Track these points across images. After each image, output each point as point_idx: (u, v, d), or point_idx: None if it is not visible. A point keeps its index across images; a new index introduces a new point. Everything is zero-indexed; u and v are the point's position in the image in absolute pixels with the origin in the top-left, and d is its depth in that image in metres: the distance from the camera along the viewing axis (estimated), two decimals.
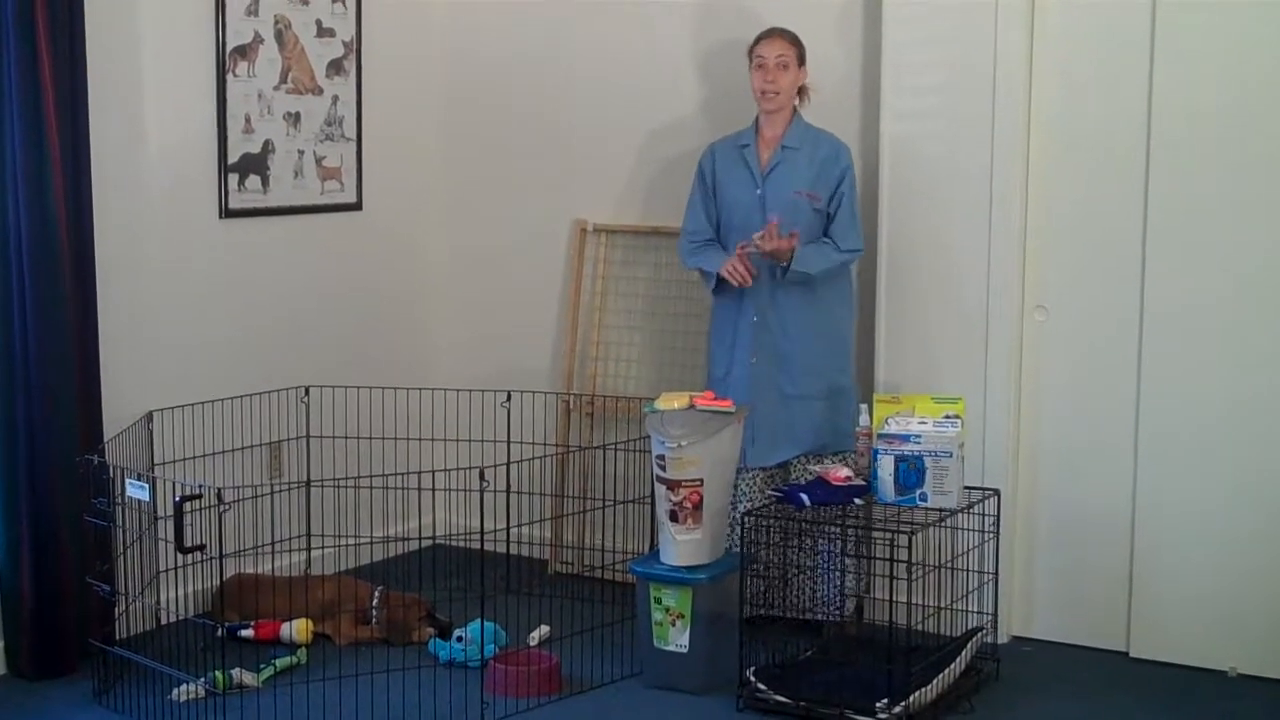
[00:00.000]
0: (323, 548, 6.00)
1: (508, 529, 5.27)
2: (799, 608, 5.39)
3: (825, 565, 5.34)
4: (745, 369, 5.40)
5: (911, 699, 4.62)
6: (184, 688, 4.80)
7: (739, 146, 5.48)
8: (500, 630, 5.31)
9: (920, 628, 4.82)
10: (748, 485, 5.42)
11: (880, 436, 4.93)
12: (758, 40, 5.41)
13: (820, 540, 5.26)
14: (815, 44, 5.46)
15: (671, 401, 5.07)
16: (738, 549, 5.06)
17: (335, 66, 6.15)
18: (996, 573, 5.16)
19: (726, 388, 5.37)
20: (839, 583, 5.38)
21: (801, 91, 5.47)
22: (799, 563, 5.28)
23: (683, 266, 5.69)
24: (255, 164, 5.85)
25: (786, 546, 5.18)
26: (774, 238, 5.22)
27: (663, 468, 4.95)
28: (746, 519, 4.98)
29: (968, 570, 5.14)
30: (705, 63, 6.02)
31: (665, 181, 6.13)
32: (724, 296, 5.48)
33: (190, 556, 4.62)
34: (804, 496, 4.96)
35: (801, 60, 5.41)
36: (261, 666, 5.06)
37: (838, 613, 5.37)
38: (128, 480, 4.74)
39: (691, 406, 5.05)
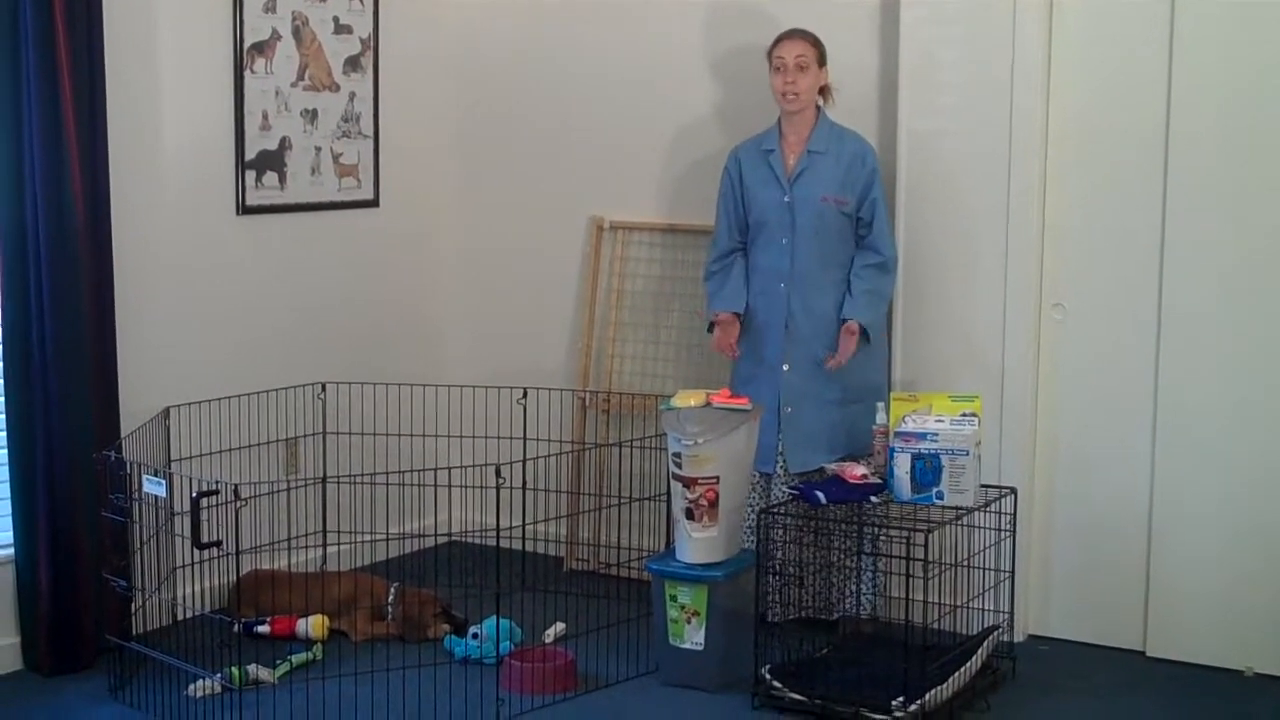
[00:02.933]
0: (339, 544, 6.01)
1: (524, 526, 5.28)
2: (815, 606, 5.39)
3: (841, 563, 5.34)
4: (777, 376, 5.39)
5: (927, 697, 4.62)
6: (200, 683, 4.81)
7: (763, 151, 5.45)
8: (515, 627, 5.32)
9: (936, 626, 4.82)
10: (778, 491, 5.39)
11: (897, 434, 4.92)
12: (777, 42, 5.39)
13: (836, 538, 5.25)
14: (834, 44, 5.44)
15: (688, 399, 5.07)
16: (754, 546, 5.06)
17: (352, 63, 6.15)
18: (1013, 571, 5.15)
19: (757, 391, 5.34)
20: (855, 581, 5.37)
21: (825, 91, 5.45)
22: (815, 560, 5.28)
23: (702, 283, 5.68)
24: (272, 161, 5.86)
25: (802, 544, 5.18)
26: (842, 356, 5.30)
27: (679, 465, 4.94)
28: (763, 517, 4.98)
29: (984, 569, 5.13)
30: (723, 62, 6.01)
31: (683, 179, 6.12)
32: (752, 300, 5.46)
33: (207, 552, 4.63)
34: (820, 494, 4.96)
35: (822, 61, 5.39)
36: (278, 662, 5.07)
37: (855, 611, 5.37)
38: (145, 476, 4.75)
39: (708, 404, 5.04)
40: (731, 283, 5.47)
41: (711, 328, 5.50)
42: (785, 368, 5.38)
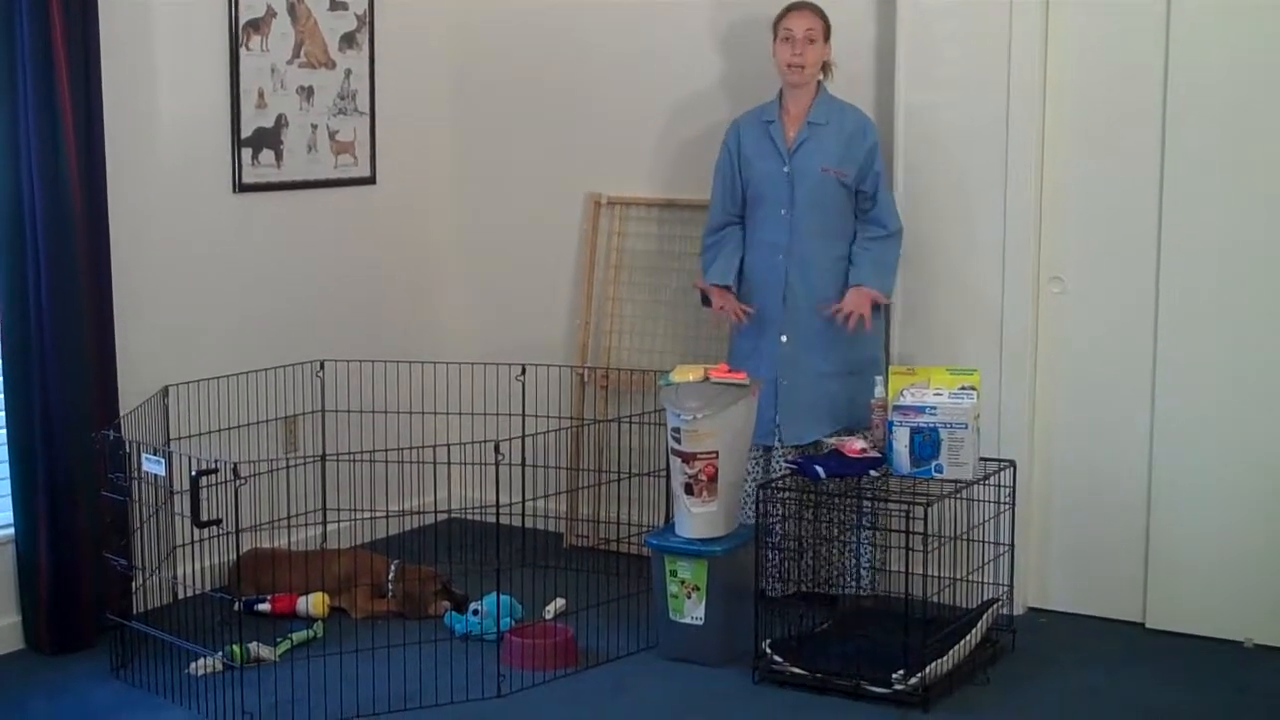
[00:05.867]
0: (338, 522, 6.01)
1: (523, 502, 5.27)
2: (814, 580, 5.39)
3: (841, 538, 5.34)
4: (775, 348, 5.39)
5: (927, 670, 4.63)
6: (201, 661, 4.82)
7: (764, 122, 5.44)
8: (516, 603, 5.32)
9: (936, 599, 4.83)
10: (777, 464, 5.39)
11: (896, 408, 4.92)
12: (785, 13, 5.37)
13: (836, 512, 5.26)
14: (832, 15, 5.42)
15: (686, 374, 5.07)
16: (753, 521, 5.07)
17: (348, 40, 6.14)
18: (1012, 544, 5.15)
19: (756, 365, 5.34)
20: (855, 556, 5.38)
21: (825, 67, 5.44)
22: (815, 535, 5.28)
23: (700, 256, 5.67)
24: (268, 138, 5.85)
25: (802, 519, 5.19)
26: (849, 308, 5.29)
27: (678, 440, 4.94)
28: (762, 492, 4.98)
29: (984, 542, 5.13)
30: (721, 35, 6.00)
31: (680, 154, 6.11)
32: (750, 273, 5.45)
33: (207, 531, 4.63)
34: (819, 469, 4.96)
35: (828, 35, 5.38)
36: (278, 640, 5.08)
37: (854, 586, 5.37)
38: (144, 455, 4.76)
39: (706, 379, 5.04)
40: (723, 257, 5.47)
41: (706, 300, 5.49)
42: (783, 339, 5.38)
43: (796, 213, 5.35)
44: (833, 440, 5.16)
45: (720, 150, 5.54)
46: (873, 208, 5.36)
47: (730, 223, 5.50)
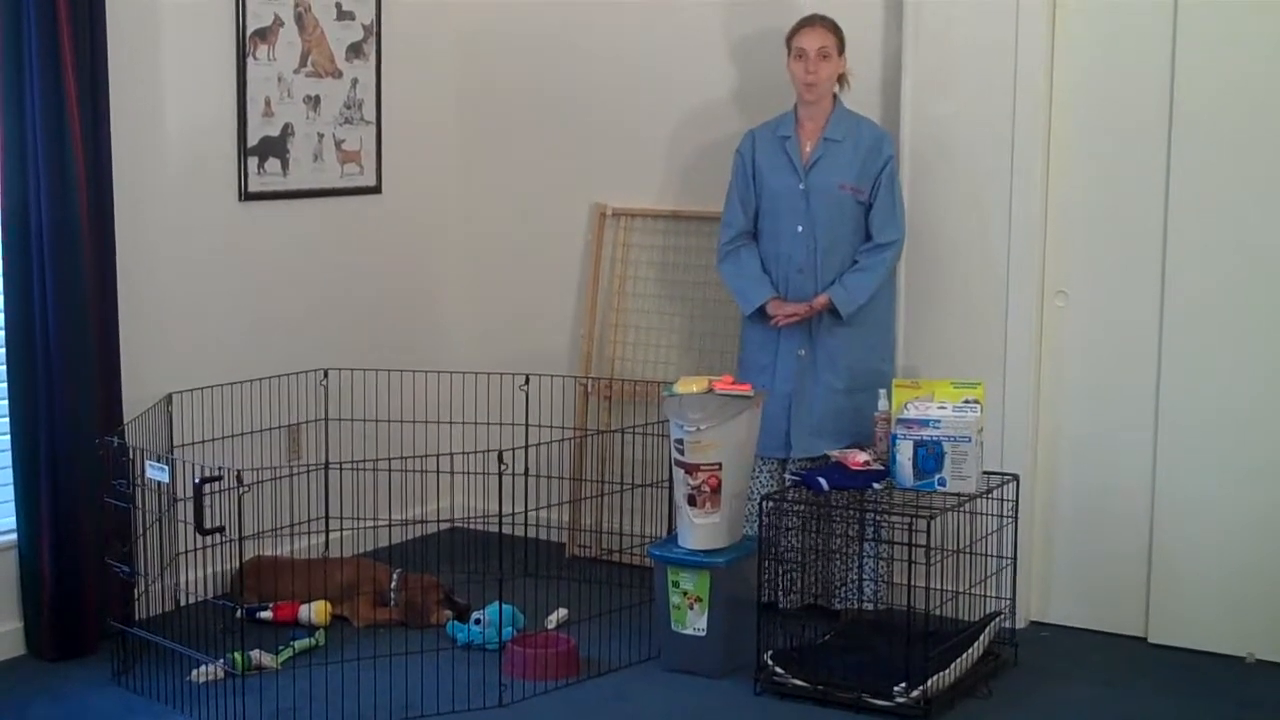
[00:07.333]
0: (341, 530, 6.00)
1: (526, 512, 5.28)
2: (817, 593, 5.40)
3: (844, 550, 5.34)
4: (793, 361, 5.39)
5: (929, 683, 4.62)
6: (203, 669, 4.81)
7: (780, 137, 5.42)
8: (518, 613, 5.32)
9: (939, 612, 4.82)
10: (792, 476, 5.39)
11: (899, 421, 4.93)
12: (798, 29, 5.36)
13: (839, 525, 5.26)
14: (840, 25, 5.42)
15: (690, 385, 5.07)
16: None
17: (355, 50, 6.15)
18: (1015, 558, 5.15)
19: (772, 378, 5.35)
20: (858, 568, 5.38)
21: (841, 79, 5.43)
22: (818, 547, 5.28)
23: (716, 267, 5.64)
24: (275, 147, 5.85)
25: (805, 531, 5.18)
26: (801, 313, 5.29)
27: (681, 451, 4.94)
28: (765, 504, 4.98)
29: (986, 555, 5.13)
30: (729, 47, 6.00)
31: (685, 166, 6.12)
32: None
33: (210, 538, 4.63)
34: (822, 481, 4.96)
35: (841, 49, 5.37)
36: (280, 648, 5.07)
37: (858, 599, 5.37)
38: (147, 462, 4.76)
39: (710, 390, 5.04)
40: (754, 273, 5.43)
41: (757, 314, 5.44)
42: (801, 353, 5.38)
43: (812, 229, 5.35)
44: (836, 453, 5.16)
45: (734, 159, 5.52)
46: (869, 216, 5.35)
47: (747, 230, 5.49)
